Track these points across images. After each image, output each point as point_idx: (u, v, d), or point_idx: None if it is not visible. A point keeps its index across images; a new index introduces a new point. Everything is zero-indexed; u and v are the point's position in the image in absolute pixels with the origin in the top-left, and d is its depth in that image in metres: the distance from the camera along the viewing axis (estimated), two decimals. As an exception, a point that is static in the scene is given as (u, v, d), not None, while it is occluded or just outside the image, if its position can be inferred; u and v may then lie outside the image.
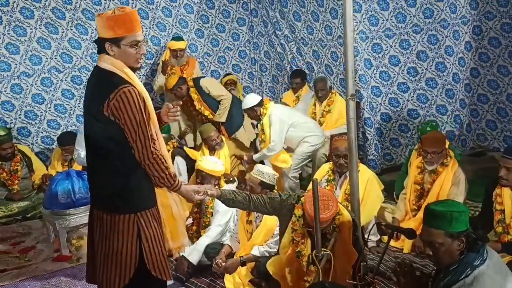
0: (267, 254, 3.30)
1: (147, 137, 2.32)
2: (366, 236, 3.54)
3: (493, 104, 5.31)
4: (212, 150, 5.00)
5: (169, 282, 3.46)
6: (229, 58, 6.92)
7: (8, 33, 5.46)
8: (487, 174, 4.27)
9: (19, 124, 5.67)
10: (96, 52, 2.45)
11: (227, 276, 3.44)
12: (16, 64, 5.56)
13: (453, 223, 2.07)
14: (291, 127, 4.81)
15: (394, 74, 5.56)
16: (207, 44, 6.72)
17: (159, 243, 2.46)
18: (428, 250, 2.14)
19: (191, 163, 4.78)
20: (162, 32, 6.34)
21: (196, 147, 5.60)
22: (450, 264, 2.11)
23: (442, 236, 2.08)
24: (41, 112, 5.77)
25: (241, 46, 6.95)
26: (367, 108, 5.60)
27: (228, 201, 2.92)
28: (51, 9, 5.62)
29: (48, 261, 4.13)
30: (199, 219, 3.84)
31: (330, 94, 5.54)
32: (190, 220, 3.92)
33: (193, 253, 3.62)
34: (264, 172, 3.49)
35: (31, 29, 5.56)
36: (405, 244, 3.81)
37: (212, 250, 3.61)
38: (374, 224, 3.30)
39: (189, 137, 5.93)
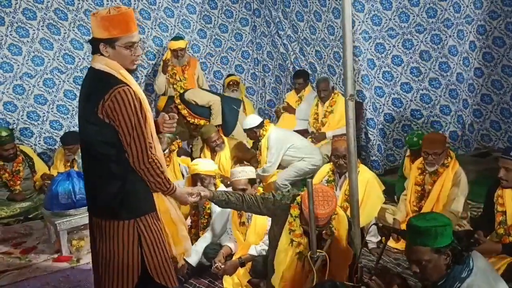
0: (264, 253, 3.28)
1: (143, 140, 2.24)
2: (365, 237, 3.50)
3: (497, 105, 5.25)
4: (213, 151, 4.99)
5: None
6: (232, 58, 6.91)
7: (11, 34, 5.48)
8: (492, 175, 4.20)
9: (21, 125, 5.69)
10: (98, 53, 2.38)
11: (225, 277, 3.42)
12: (18, 65, 5.58)
13: (438, 238, 2.02)
14: (289, 149, 4.81)
15: (397, 74, 5.51)
16: (209, 45, 6.71)
17: (162, 249, 2.39)
18: (414, 267, 2.09)
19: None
20: (164, 33, 6.34)
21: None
22: (437, 280, 2.07)
23: (428, 253, 2.04)
24: (44, 113, 5.79)
25: (244, 47, 6.94)
26: (369, 109, 5.56)
27: (221, 202, 2.89)
28: (53, 10, 5.64)
29: (48, 261, 4.12)
30: (197, 221, 3.83)
31: (332, 94, 5.52)
32: (188, 222, 3.91)
33: (192, 254, 3.60)
34: (244, 170, 3.47)
35: (33, 30, 5.58)
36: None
37: (211, 251, 3.60)
38: (371, 225, 3.26)
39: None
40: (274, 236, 2.92)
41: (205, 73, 6.69)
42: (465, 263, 2.05)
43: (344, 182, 3.75)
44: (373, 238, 3.83)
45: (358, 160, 3.36)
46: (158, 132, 2.49)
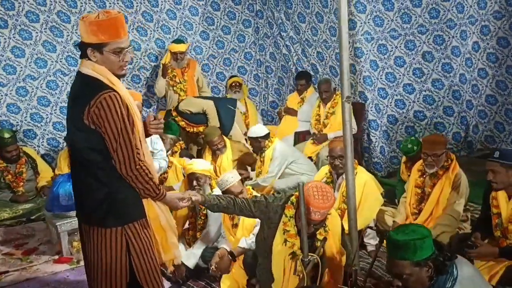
0: (254, 246, 3.24)
1: (130, 147, 2.19)
2: (364, 240, 3.48)
3: (501, 106, 5.21)
4: (214, 154, 4.99)
5: (166, 286, 3.47)
6: (234, 60, 6.90)
7: (14, 37, 5.52)
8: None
9: (25, 126, 5.73)
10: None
11: (223, 278, 3.42)
12: (21, 67, 5.61)
13: (417, 251, 1.99)
14: (292, 164, 4.81)
15: (400, 76, 5.48)
16: (212, 46, 6.72)
17: (150, 257, 2.36)
18: (396, 281, 2.06)
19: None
20: (167, 35, 6.35)
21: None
22: None
23: (408, 267, 2.01)
24: (47, 115, 5.82)
25: (246, 48, 6.93)
26: (372, 110, 5.53)
27: (213, 206, 2.88)
28: (56, 13, 5.67)
29: (49, 263, 4.14)
30: (195, 223, 3.83)
31: (334, 96, 5.49)
32: (186, 225, 3.92)
33: (190, 257, 3.62)
34: (231, 174, 3.49)
35: (36, 32, 5.61)
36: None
37: (209, 253, 3.59)
38: (366, 228, 3.23)
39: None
40: (263, 239, 2.90)
41: (208, 75, 6.70)
42: (448, 273, 2.01)
43: (342, 183, 3.72)
44: (371, 241, 3.80)
45: (355, 161, 3.34)
46: (147, 134, 2.47)
